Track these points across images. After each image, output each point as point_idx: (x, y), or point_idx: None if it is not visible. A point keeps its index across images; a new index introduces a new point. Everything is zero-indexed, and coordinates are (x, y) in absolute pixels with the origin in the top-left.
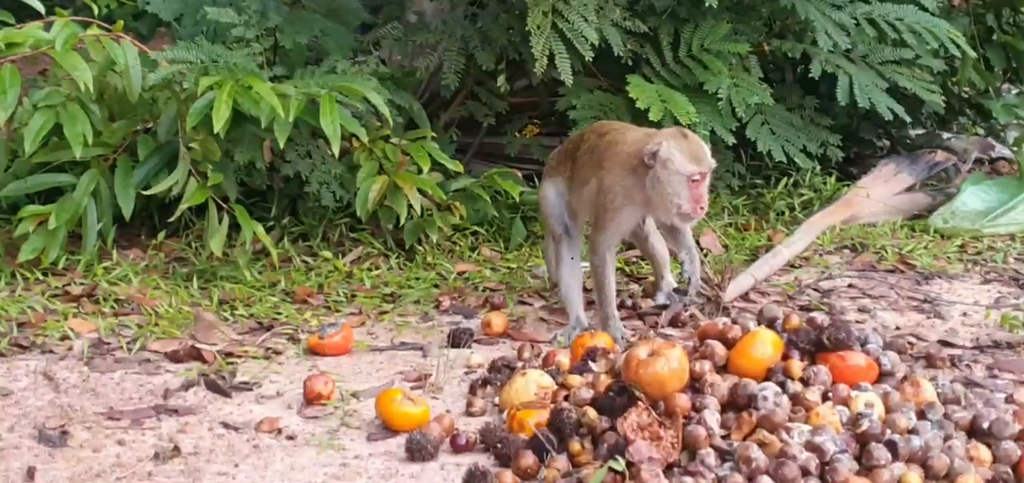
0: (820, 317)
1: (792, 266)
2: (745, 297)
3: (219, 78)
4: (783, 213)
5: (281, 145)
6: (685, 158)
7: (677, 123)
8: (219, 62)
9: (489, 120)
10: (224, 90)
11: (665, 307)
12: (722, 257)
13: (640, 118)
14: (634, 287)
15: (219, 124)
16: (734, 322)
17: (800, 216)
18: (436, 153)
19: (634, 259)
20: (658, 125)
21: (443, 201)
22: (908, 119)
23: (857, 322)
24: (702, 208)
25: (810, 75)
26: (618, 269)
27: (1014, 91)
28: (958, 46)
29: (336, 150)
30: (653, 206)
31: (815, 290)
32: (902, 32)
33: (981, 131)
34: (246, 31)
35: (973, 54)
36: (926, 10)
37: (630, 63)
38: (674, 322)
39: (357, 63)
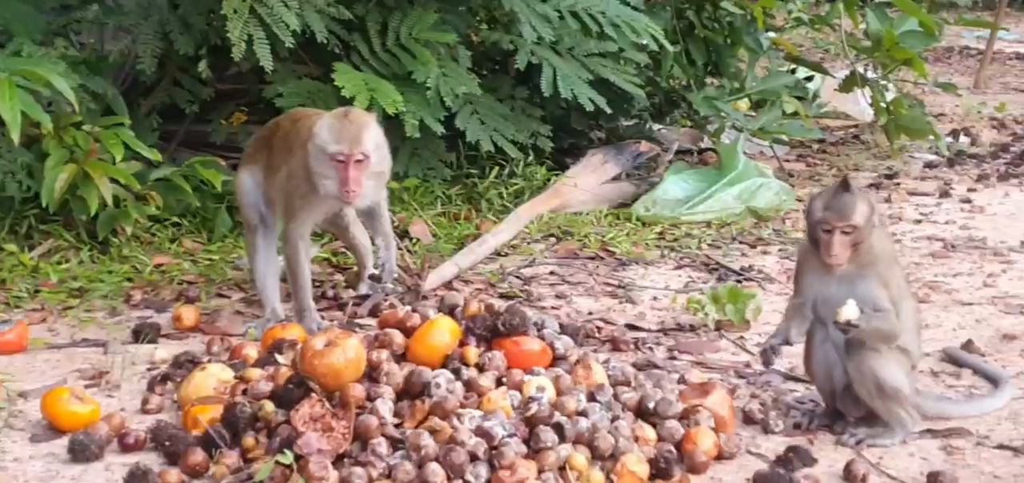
0: (497, 303)
1: (498, 254)
2: (448, 286)
3: None
4: (494, 202)
5: None
6: (330, 136)
7: (384, 112)
8: None
9: (193, 108)
10: None
11: (367, 297)
12: (431, 246)
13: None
14: (338, 277)
15: None
16: (414, 310)
17: (511, 205)
18: (131, 141)
19: (340, 249)
20: None
21: (139, 191)
22: (609, 110)
23: (553, 308)
24: (350, 191)
25: (516, 66)
26: (323, 259)
27: (715, 84)
28: (657, 40)
29: (15, 137)
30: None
31: (517, 277)
32: (603, 25)
33: (689, 123)
34: None
35: (672, 48)
36: (628, 5)
37: (338, 51)
38: (374, 312)
39: (46, 46)
